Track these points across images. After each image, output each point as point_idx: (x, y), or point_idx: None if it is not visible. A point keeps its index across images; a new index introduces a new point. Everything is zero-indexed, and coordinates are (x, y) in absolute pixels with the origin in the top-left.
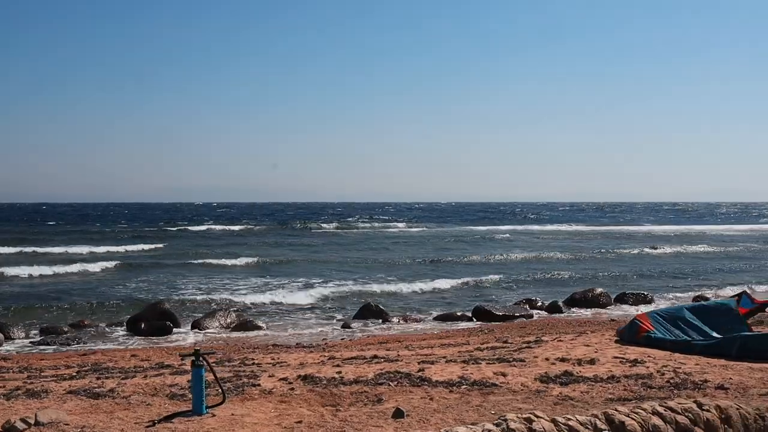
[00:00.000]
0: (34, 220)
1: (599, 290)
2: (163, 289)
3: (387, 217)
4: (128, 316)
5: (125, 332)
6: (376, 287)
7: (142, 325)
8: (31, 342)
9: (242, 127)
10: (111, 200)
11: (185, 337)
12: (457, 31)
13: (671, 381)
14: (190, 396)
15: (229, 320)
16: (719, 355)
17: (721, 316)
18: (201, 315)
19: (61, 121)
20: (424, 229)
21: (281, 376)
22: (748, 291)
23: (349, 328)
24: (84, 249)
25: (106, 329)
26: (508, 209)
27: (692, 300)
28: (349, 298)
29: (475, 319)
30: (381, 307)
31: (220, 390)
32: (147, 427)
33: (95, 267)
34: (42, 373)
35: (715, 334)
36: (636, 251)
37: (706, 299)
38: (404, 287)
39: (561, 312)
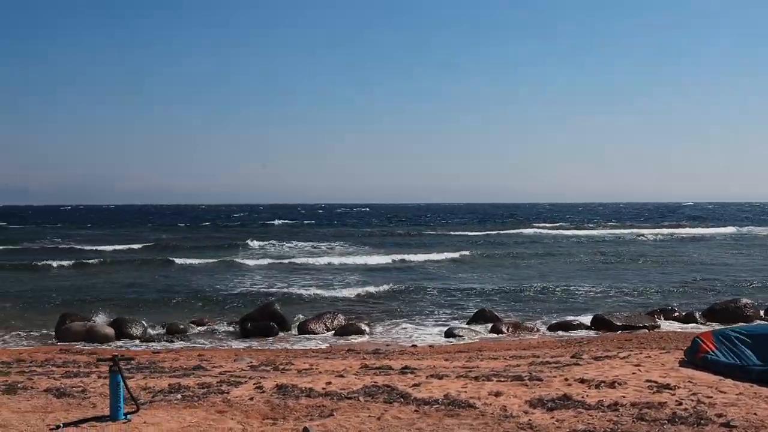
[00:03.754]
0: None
1: (744, 301)
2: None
3: (538, 220)
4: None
5: (233, 331)
6: None
7: (249, 326)
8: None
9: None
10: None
11: (286, 338)
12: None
13: (677, 413)
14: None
15: (335, 323)
16: None
17: None
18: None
19: (61, 120)
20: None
21: (265, 384)
22: None
23: (453, 336)
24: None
25: (216, 328)
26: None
27: None
28: None
29: (594, 328)
30: (495, 312)
31: (133, 398)
32: (51, 429)
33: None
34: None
35: None
36: None
37: None
38: None
39: (696, 323)
